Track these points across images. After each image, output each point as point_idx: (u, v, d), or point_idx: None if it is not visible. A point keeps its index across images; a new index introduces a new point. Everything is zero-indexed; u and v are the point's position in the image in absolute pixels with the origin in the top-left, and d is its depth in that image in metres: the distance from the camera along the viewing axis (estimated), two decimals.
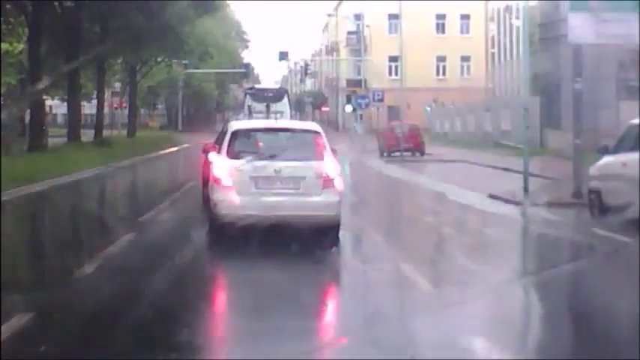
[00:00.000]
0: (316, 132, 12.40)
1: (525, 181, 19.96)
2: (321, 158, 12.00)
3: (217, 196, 11.82)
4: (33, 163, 23.94)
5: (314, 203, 11.69)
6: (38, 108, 35.99)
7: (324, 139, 12.22)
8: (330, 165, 11.95)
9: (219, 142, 12.59)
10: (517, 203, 18.27)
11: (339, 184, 11.94)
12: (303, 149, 12.25)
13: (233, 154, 12.00)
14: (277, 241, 11.38)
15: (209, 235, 12.13)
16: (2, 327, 6.46)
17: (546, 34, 42.42)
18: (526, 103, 21.34)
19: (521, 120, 21.15)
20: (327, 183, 11.77)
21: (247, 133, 12.66)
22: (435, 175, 27.88)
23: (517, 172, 28.25)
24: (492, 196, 19.80)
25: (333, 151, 12.41)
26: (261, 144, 12.38)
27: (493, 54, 69.55)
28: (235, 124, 12.97)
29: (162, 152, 42.37)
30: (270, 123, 12.68)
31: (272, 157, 11.86)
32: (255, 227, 11.80)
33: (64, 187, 21.56)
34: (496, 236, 13.97)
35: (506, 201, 18.81)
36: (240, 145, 12.20)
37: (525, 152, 20.60)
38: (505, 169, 29.44)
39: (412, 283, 9.18)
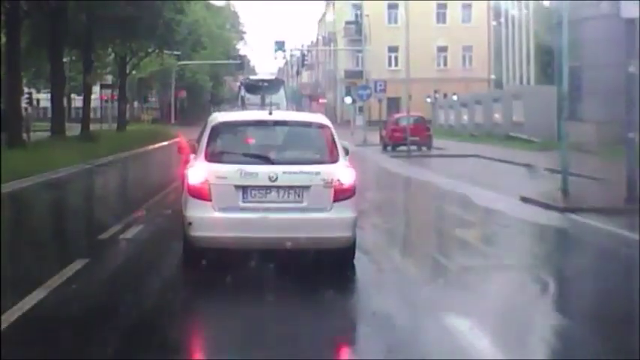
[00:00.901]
0: (324, 125, 9.43)
1: (564, 181, 17.01)
2: (332, 160, 9.05)
3: (192, 212, 8.87)
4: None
5: (322, 221, 8.76)
6: (14, 102, 32.95)
7: (335, 135, 9.27)
8: (343, 170, 9.00)
9: (198, 140, 9.58)
10: (560, 210, 15.27)
11: (355, 195, 9.00)
12: (307, 149, 9.35)
13: (214, 157, 9.03)
14: (272, 275, 8.48)
15: (183, 266, 9.20)
16: None
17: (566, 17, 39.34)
18: (562, 93, 18.34)
19: (560, 110, 18.16)
20: (340, 194, 8.83)
21: (233, 128, 9.61)
22: (450, 172, 24.86)
23: (540, 168, 25.50)
24: (526, 200, 16.87)
25: (345, 150, 9.47)
26: (251, 142, 9.41)
27: (497, 43, 67.22)
28: (218, 117, 9.93)
29: (147, 148, 39.25)
30: (264, 115, 9.69)
31: (266, 159, 8.91)
32: (243, 255, 8.89)
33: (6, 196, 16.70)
34: (557, 260, 10.79)
35: (546, 206, 15.82)
36: (224, 144, 9.23)
37: (563, 147, 17.66)
38: (527, 165, 26.55)
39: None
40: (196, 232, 8.79)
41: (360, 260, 9.29)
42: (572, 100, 37.78)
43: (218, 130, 9.25)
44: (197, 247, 8.87)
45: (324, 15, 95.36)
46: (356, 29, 78.67)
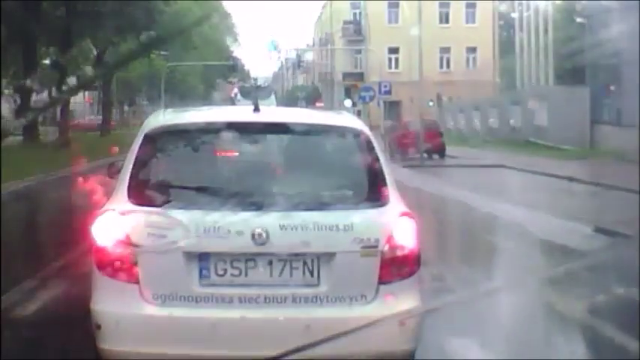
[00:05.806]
0: (359, 133, 5.01)
1: None
2: (376, 201, 4.71)
3: (103, 305, 4.54)
4: None
5: (357, 323, 4.40)
6: None
7: (380, 153, 4.92)
8: (397, 220, 4.66)
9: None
10: None
11: (419, 269, 4.67)
12: (327, 179, 4.91)
13: (145, 195, 4.65)
14: None
15: None
16: None
17: (596, 11, 35.40)
18: None
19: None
20: (394, 268, 4.54)
21: (184, 138, 4.93)
22: (481, 188, 20.43)
23: (590, 183, 21.38)
24: (602, 231, 12.62)
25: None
26: (219, 167, 5.00)
27: (504, 42, 63.86)
28: (158, 118, 5.39)
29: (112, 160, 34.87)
30: (244, 114, 5.18)
31: (247, 201, 4.54)
32: None
33: None
34: None
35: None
36: (165, 170, 4.87)
37: None
38: (570, 179, 22.30)
39: None
40: (111, 345, 4.47)
41: None
42: (608, 102, 33.82)
43: (155, 142, 4.82)
44: None
45: (320, 16, 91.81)
46: (355, 29, 75.66)
